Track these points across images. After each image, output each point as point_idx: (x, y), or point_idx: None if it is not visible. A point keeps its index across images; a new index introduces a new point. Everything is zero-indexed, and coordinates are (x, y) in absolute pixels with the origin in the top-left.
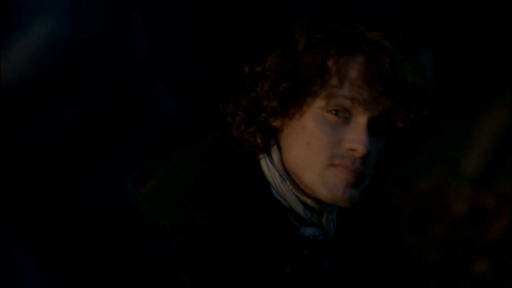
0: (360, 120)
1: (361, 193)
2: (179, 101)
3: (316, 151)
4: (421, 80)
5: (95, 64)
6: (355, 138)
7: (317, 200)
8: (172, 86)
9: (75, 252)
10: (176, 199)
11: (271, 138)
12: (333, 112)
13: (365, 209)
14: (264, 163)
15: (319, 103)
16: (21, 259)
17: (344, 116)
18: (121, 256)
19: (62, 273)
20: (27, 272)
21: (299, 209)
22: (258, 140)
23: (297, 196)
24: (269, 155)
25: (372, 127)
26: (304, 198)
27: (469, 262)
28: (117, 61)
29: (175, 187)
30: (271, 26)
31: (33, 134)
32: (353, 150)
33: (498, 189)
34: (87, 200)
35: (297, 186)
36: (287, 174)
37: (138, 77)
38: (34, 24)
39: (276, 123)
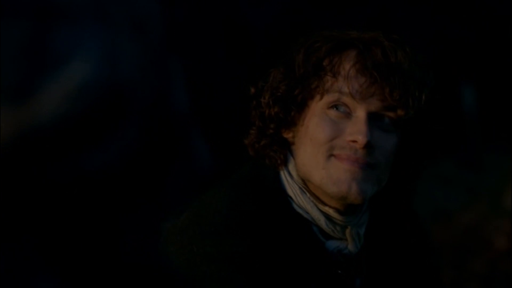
0: (360, 113)
1: (387, 206)
2: (215, 152)
3: (317, 145)
4: (417, 67)
5: (131, 108)
6: (355, 129)
7: (339, 211)
8: (208, 136)
9: None
10: (210, 228)
11: (286, 150)
12: (334, 108)
13: (397, 231)
14: (284, 178)
15: (318, 101)
16: None
17: (345, 111)
18: None
19: None
20: None
21: (321, 220)
22: (274, 154)
23: (318, 208)
24: (288, 169)
25: (375, 121)
26: (326, 209)
27: None
28: (156, 107)
29: (207, 216)
30: None
31: (66, 174)
32: (354, 141)
33: None
34: (121, 248)
35: (316, 197)
36: (306, 186)
37: (177, 125)
38: (69, 66)
39: (287, 135)
